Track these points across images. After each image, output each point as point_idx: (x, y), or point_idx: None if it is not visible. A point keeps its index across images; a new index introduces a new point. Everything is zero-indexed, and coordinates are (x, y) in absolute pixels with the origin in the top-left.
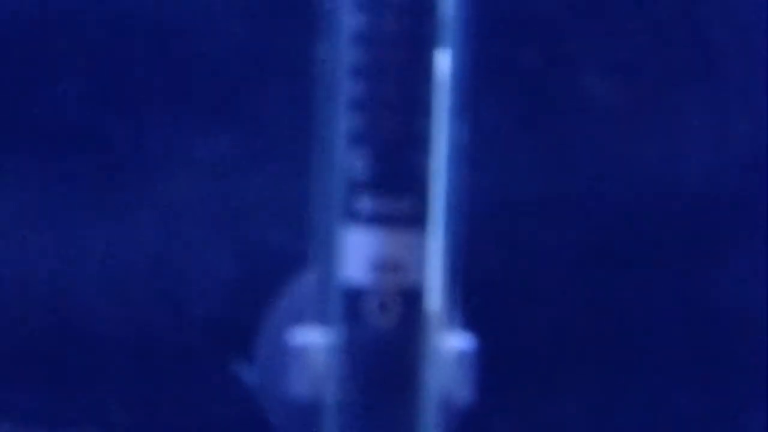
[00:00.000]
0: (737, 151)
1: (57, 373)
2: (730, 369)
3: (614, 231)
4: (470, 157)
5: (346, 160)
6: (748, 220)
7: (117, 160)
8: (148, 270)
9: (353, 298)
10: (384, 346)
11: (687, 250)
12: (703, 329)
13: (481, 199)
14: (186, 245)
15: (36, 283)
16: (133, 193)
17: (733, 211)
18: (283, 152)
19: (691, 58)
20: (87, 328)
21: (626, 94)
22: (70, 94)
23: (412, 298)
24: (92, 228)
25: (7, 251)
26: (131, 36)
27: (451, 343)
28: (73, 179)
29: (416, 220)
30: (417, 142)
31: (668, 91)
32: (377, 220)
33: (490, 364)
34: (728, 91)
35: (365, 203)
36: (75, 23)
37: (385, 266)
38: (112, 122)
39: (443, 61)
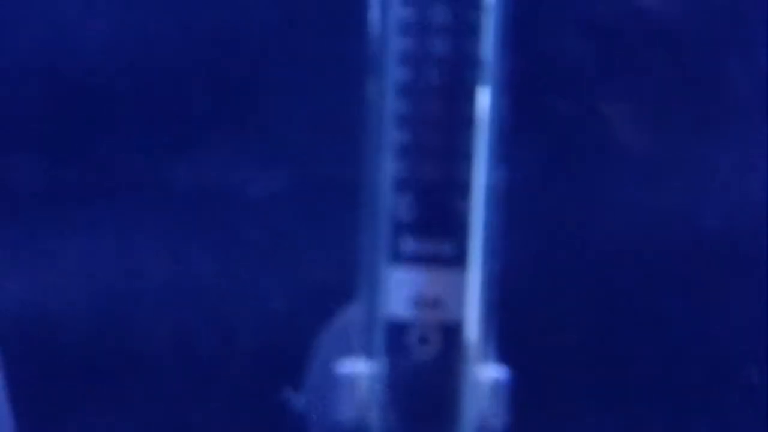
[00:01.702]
0: (760, 197)
1: (107, 398)
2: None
3: (644, 274)
4: (507, 201)
5: (392, 203)
6: None
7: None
8: (206, 302)
9: (396, 331)
10: (424, 376)
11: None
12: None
13: (516, 241)
14: (242, 281)
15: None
16: (191, 228)
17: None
18: (332, 193)
19: (717, 106)
20: (140, 353)
21: (656, 143)
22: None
23: (450, 332)
24: (154, 258)
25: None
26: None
27: (487, 374)
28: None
29: (456, 260)
30: (457, 186)
31: (695, 139)
32: (419, 259)
33: (523, 394)
34: (752, 139)
35: (408, 244)
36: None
37: (426, 302)
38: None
39: (483, 109)
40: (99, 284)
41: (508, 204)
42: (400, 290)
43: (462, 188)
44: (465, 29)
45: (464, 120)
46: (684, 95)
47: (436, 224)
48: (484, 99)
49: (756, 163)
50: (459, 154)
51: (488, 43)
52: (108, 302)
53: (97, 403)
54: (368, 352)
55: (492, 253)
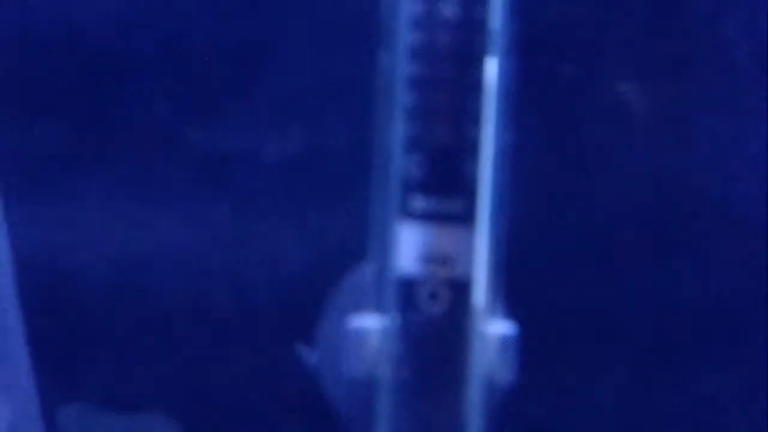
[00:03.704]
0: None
1: (127, 351)
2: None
3: (646, 230)
4: (514, 161)
5: (402, 162)
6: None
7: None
8: (223, 259)
9: (406, 287)
10: (433, 331)
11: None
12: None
13: (523, 200)
14: (258, 240)
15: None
16: (209, 188)
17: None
18: (346, 155)
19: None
20: (160, 311)
21: (658, 105)
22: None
23: (459, 289)
24: (170, 221)
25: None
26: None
27: (494, 330)
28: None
29: (465, 217)
30: (466, 147)
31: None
32: (429, 217)
33: (530, 349)
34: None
35: (418, 202)
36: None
37: (435, 259)
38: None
39: (491, 73)
40: (119, 243)
41: (515, 164)
42: (410, 247)
43: (471, 149)
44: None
45: (473, 83)
46: (684, 59)
47: (446, 183)
48: (492, 64)
49: (753, 125)
50: (468, 117)
51: (497, 10)
52: (128, 260)
53: (116, 357)
54: (379, 308)
55: (500, 211)
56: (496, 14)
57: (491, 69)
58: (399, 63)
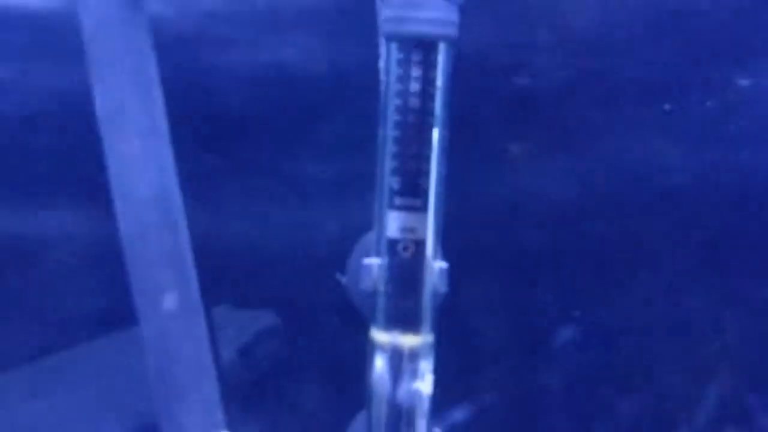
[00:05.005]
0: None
1: None
2: None
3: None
4: (447, 180)
5: (389, 180)
6: None
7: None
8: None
9: (391, 243)
10: (405, 266)
11: None
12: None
13: (452, 200)
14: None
15: None
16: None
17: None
18: (360, 177)
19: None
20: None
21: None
22: None
23: (419, 244)
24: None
25: None
26: None
27: (437, 265)
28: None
29: (422, 209)
30: (422, 172)
31: None
32: (403, 208)
33: (455, 276)
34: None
35: (398, 200)
36: None
37: (407, 229)
38: None
39: (436, 134)
40: None
41: (447, 181)
42: (393, 223)
43: (425, 173)
44: (427, 95)
45: (426, 139)
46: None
47: (411, 191)
48: (436, 129)
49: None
50: (424, 156)
51: (440, 102)
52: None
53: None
54: (378, 254)
55: (439, 205)
56: (439, 104)
57: (436, 132)
58: (388, 128)
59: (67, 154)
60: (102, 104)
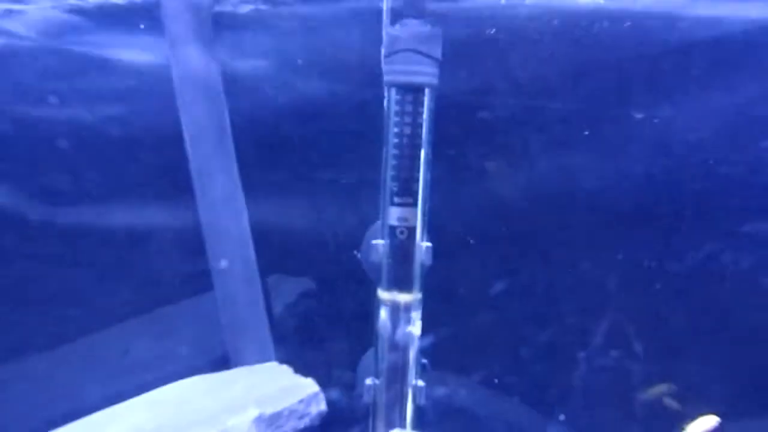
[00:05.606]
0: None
1: None
2: None
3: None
4: (431, 183)
5: (391, 185)
6: None
7: None
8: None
9: (391, 229)
10: (401, 246)
11: None
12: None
13: (434, 199)
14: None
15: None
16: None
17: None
18: (369, 185)
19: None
20: None
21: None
22: None
23: (411, 230)
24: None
25: None
26: None
27: (424, 245)
28: None
29: (413, 204)
30: (414, 179)
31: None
32: (399, 204)
33: (438, 253)
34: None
35: (396, 199)
36: None
37: (402, 219)
38: None
39: (424, 153)
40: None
41: (432, 185)
42: (393, 215)
43: (415, 179)
44: (417, 125)
45: (416, 156)
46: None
47: (406, 192)
48: (423, 149)
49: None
50: (415, 167)
51: (425, 130)
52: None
53: None
54: (383, 237)
55: (426, 202)
56: (425, 131)
57: (424, 152)
58: (389, 148)
59: (164, 167)
60: (187, 131)
